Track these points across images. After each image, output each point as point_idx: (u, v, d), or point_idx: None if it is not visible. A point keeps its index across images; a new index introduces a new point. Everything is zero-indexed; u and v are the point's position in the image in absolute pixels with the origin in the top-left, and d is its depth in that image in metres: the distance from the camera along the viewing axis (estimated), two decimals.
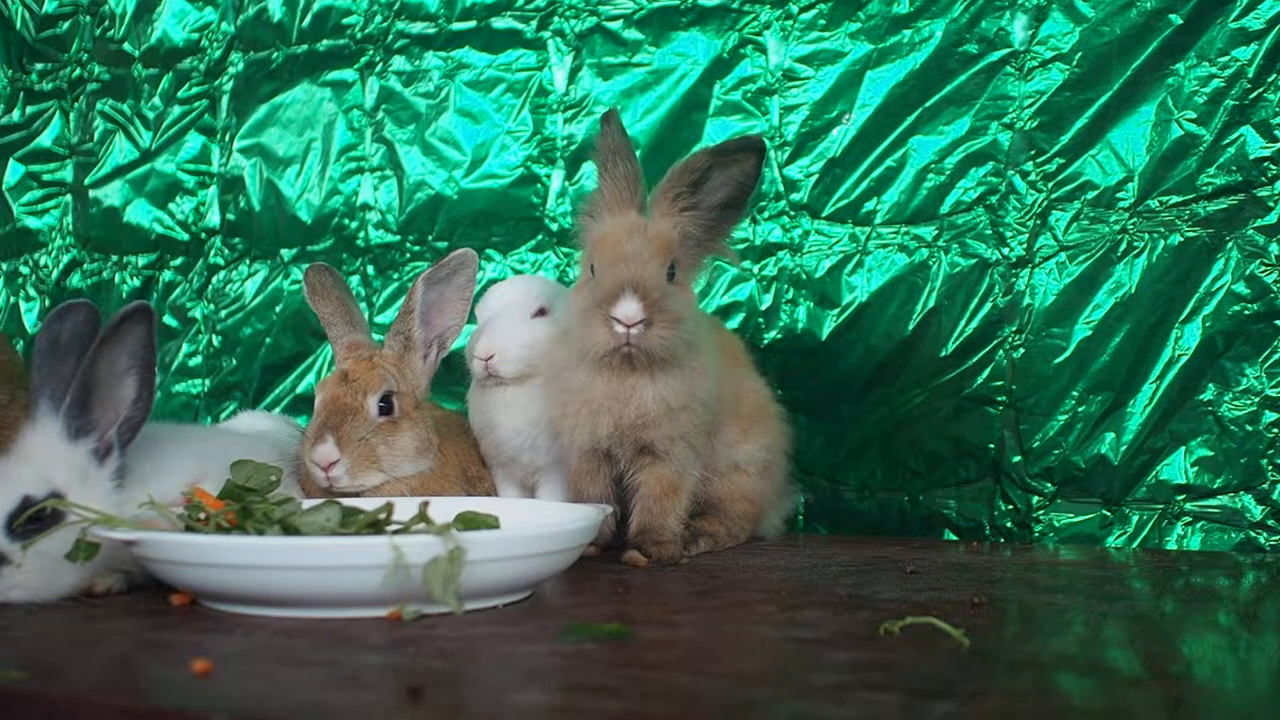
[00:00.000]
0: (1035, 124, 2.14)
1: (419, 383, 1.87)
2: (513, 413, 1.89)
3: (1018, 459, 2.14)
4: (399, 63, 2.67)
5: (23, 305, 3.10)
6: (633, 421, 1.69)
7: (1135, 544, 2.06)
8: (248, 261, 2.83)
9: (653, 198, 1.69)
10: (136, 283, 2.94)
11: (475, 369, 1.90)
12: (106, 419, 1.44)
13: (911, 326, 2.22)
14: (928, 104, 2.22)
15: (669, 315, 1.62)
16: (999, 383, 2.16)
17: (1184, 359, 2.03)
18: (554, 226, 2.50)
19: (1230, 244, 2.01)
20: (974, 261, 2.18)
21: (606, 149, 1.70)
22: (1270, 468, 1.98)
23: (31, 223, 3.11)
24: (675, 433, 1.71)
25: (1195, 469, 2.03)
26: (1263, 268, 1.99)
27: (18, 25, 3.12)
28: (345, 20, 2.73)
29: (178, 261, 2.91)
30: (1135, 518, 2.06)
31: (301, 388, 2.76)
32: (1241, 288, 2.00)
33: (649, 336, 1.61)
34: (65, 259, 3.05)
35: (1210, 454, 2.02)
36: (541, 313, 1.90)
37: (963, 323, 2.18)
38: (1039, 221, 2.14)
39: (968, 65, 2.19)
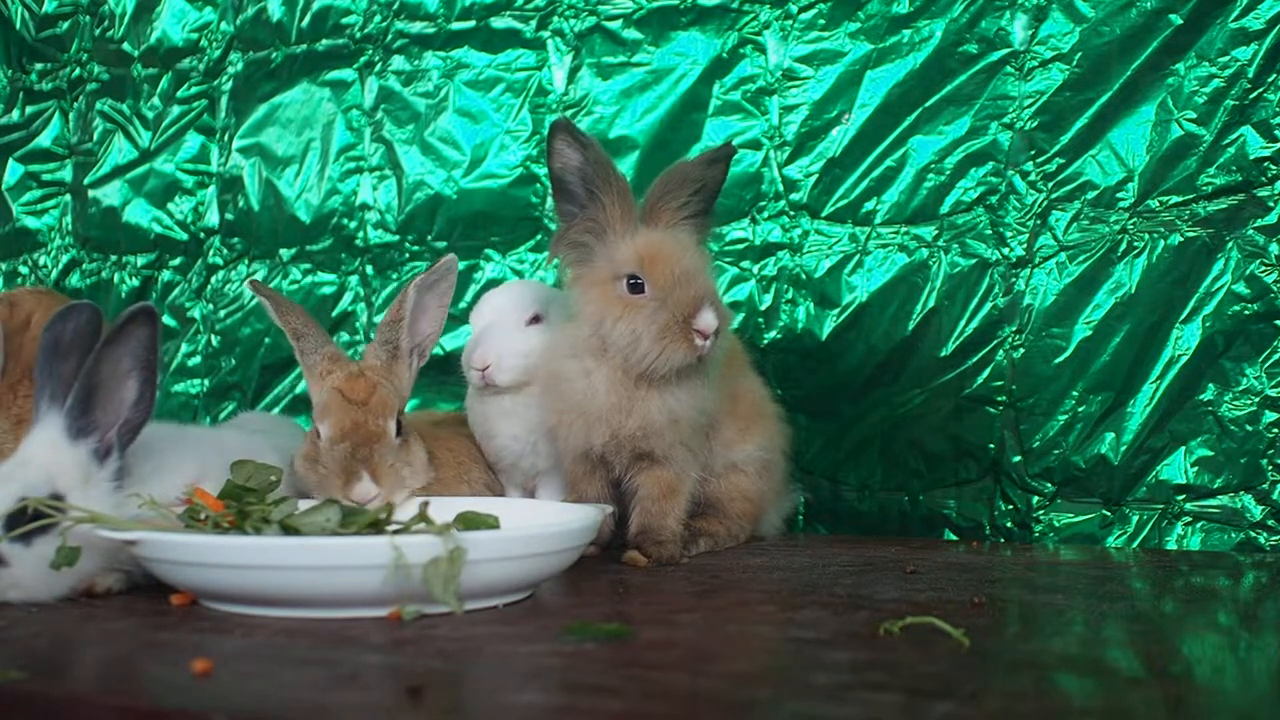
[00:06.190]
0: (1035, 124, 2.14)
1: (404, 393, 1.79)
2: (511, 420, 1.88)
3: (1018, 459, 2.14)
4: (398, 62, 2.67)
5: None
6: (633, 432, 1.69)
7: (1135, 544, 2.05)
8: (246, 261, 2.83)
9: (651, 208, 1.69)
10: (135, 283, 2.94)
11: (472, 379, 1.88)
12: (107, 420, 1.44)
13: (911, 326, 2.21)
14: (928, 104, 2.21)
15: (726, 321, 1.68)
16: (999, 383, 2.16)
17: (1184, 359, 2.03)
18: (553, 226, 2.50)
19: (1230, 244, 2.01)
20: (974, 261, 2.18)
21: (596, 163, 1.66)
22: (1270, 468, 1.98)
23: (31, 222, 3.11)
24: (675, 439, 1.72)
25: (1195, 469, 2.02)
26: (1263, 268, 1.99)
27: (18, 25, 3.12)
28: (344, 20, 2.72)
29: (177, 261, 2.91)
30: (1135, 518, 2.06)
31: (300, 388, 2.75)
32: (1241, 288, 2.00)
33: (714, 346, 1.65)
34: (64, 259, 3.05)
35: (1210, 454, 2.02)
36: (536, 320, 1.89)
37: (963, 323, 2.18)
38: (1039, 221, 2.14)
39: (968, 65, 2.19)
